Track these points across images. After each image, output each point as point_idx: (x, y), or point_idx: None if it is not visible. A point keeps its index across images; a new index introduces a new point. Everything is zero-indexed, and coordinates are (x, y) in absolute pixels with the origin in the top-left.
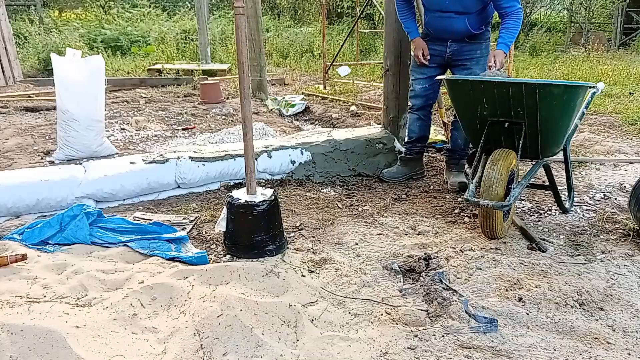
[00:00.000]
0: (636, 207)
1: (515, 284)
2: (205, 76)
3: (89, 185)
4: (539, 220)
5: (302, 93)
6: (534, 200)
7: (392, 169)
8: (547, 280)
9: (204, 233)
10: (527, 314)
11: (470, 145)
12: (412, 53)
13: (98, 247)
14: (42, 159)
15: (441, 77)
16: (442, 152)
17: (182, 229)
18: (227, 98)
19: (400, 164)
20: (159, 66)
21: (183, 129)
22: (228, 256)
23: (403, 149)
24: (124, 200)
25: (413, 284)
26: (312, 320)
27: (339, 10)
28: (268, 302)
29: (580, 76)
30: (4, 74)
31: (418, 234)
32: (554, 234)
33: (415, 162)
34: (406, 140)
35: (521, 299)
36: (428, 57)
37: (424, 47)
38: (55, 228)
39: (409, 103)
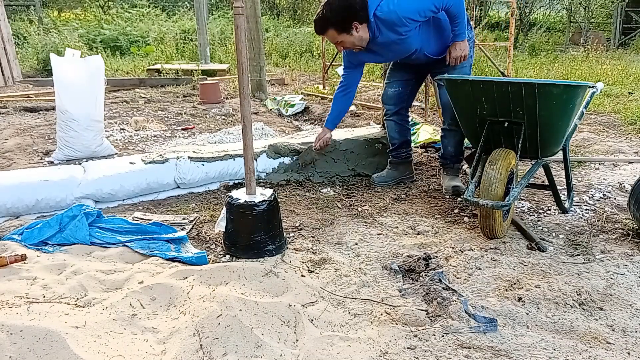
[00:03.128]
0: (635, 206)
1: (514, 283)
2: (205, 76)
3: (89, 185)
4: (538, 220)
5: (302, 93)
6: (534, 200)
7: (382, 174)
8: (546, 280)
9: (203, 233)
10: (527, 313)
11: (469, 146)
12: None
13: (97, 247)
14: (41, 159)
15: (440, 77)
16: (436, 158)
17: (182, 229)
18: (227, 98)
19: (390, 168)
20: (158, 66)
21: (182, 129)
22: (227, 256)
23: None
24: (123, 200)
25: (413, 283)
26: (312, 320)
27: None
28: (268, 302)
29: (580, 76)
30: (3, 74)
31: (417, 234)
32: (554, 234)
33: (404, 165)
34: (390, 147)
35: (521, 298)
36: (317, 146)
37: (323, 139)
38: (54, 228)
39: (384, 109)
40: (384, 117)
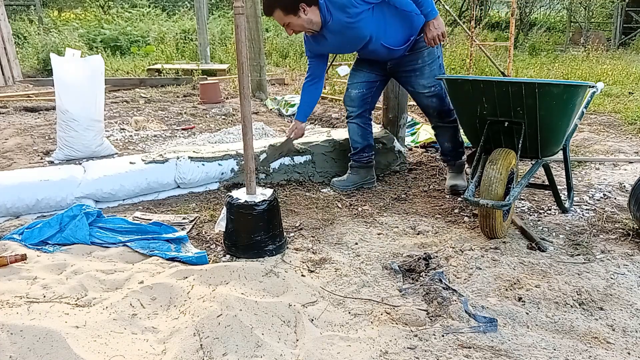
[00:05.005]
0: (636, 206)
1: (515, 283)
2: (205, 76)
3: (89, 185)
4: (538, 220)
5: None
6: (534, 200)
7: (342, 178)
8: (546, 279)
9: (203, 233)
10: (527, 313)
11: (469, 145)
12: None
13: (98, 247)
14: (41, 159)
15: (440, 76)
16: (437, 158)
17: (182, 229)
18: (227, 98)
19: (350, 172)
20: (158, 66)
21: (183, 129)
22: (228, 256)
23: (350, 159)
24: (123, 200)
25: (413, 283)
26: (312, 320)
27: None
28: (268, 302)
29: (580, 76)
30: (3, 74)
31: (418, 234)
32: (554, 234)
33: (366, 170)
34: (351, 151)
35: (521, 298)
36: (292, 136)
37: (292, 131)
38: (54, 228)
39: (346, 110)
40: (347, 119)
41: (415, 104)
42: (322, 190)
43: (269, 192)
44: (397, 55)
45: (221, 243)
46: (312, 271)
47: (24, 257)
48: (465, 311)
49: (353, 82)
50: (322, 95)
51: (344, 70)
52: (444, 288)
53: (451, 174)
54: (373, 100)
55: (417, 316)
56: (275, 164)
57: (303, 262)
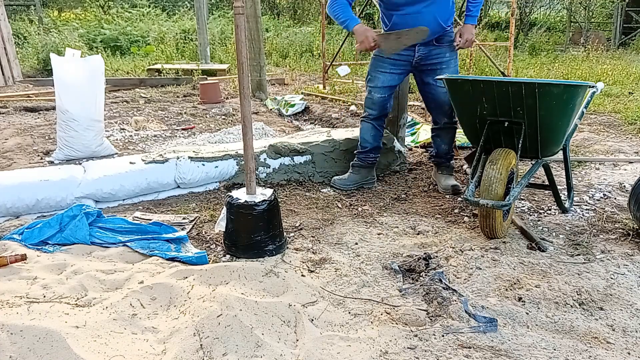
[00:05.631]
0: (636, 206)
1: (515, 283)
2: (205, 76)
3: (89, 185)
4: (538, 220)
5: (302, 93)
6: (534, 200)
7: (343, 176)
8: (546, 279)
9: (203, 233)
10: (527, 313)
11: (469, 145)
12: (372, 54)
13: (98, 247)
14: (41, 159)
15: (440, 76)
16: (428, 159)
17: (182, 229)
18: (227, 98)
19: (352, 171)
20: (158, 66)
21: (182, 129)
22: (228, 256)
23: (355, 158)
24: (123, 200)
25: (413, 283)
26: (312, 320)
27: None
28: (268, 302)
29: (580, 76)
30: (3, 74)
31: (418, 234)
32: (554, 234)
33: (367, 170)
34: (359, 149)
35: (521, 298)
36: (372, 44)
37: (368, 34)
38: (54, 228)
39: (365, 111)
40: (362, 119)
41: (414, 104)
42: (322, 190)
43: (269, 192)
44: (429, 36)
45: (221, 243)
46: (312, 271)
47: (24, 257)
48: (465, 311)
49: (376, 85)
50: (322, 95)
51: (344, 70)
52: (444, 288)
53: (446, 175)
54: (390, 104)
55: (417, 316)
56: (275, 164)
57: (303, 262)
